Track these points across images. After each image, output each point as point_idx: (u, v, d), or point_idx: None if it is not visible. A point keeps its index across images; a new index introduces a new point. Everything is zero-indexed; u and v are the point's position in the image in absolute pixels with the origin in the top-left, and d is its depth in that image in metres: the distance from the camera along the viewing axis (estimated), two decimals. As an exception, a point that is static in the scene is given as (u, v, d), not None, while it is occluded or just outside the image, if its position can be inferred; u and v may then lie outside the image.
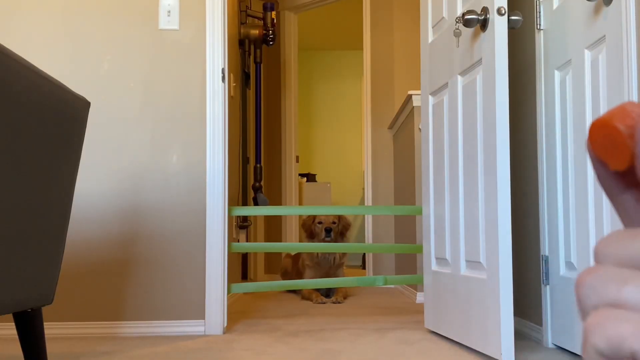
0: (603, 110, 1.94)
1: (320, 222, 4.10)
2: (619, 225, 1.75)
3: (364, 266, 6.39)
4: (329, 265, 4.07)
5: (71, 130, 1.77)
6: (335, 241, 4.07)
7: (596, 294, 0.25)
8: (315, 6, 5.57)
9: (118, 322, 2.72)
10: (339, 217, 4.14)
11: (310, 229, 4.15)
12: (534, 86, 2.49)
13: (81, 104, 1.82)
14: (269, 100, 5.73)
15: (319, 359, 2.17)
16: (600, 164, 0.28)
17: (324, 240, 4.03)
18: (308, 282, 3.53)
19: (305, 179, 7.20)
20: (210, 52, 2.81)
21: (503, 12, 2.10)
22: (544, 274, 2.40)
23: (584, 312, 0.26)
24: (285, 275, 4.49)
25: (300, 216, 5.68)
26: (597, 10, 1.97)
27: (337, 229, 4.11)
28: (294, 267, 4.38)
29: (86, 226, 2.73)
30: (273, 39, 5.07)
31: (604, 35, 1.92)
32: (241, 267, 5.03)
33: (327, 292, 4.04)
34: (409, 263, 4.02)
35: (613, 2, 1.86)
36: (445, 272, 2.51)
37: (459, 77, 2.41)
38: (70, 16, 2.82)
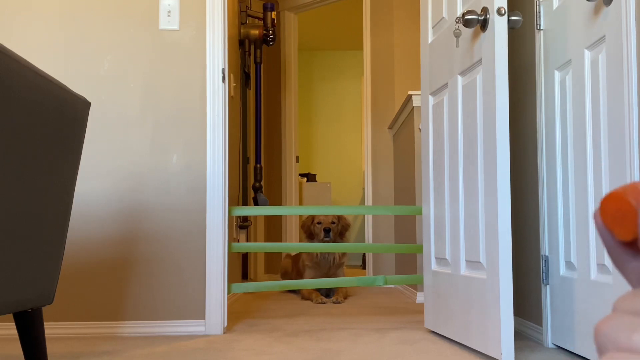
0: (603, 110, 1.94)
1: (319, 222, 4.10)
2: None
3: (364, 266, 6.39)
4: (329, 266, 4.07)
5: (71, 130, 1.77)
6: (335, 241, 4.08)
7: (610, 341, 0.26)
8: (315, 6, 5.57)
9: (118, 322, 2.72)
10: (339, 217, 4.15)
11: (309, 229, 4.15)
12: (534, 86, 2.49)
13: (81, 104, 1.82)
14: (269, 100, 5.73)
15: (319, 359, 2.17)
16: (608, 234, 0.30)
17: (323, 241, 4.04)
18: (308, 282, 3.53)
19: (305, 179, 7.20)
20: (211, 52, 2.82)
21: (503, 12, 2.10)
22: (544, 274, 2.40)
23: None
24: (285, 276, 4.49)
25: (300, 216, 5.68)
26: (597, 11, 1.97)
27: (337, 229, 4.11)
28: (294, 267, 4.38)
29: (86, 226, 2.73)
30: (273, 39, 5.07)
31: (604, 35, 1.92)
32: (241, 267, 5.03)
33: (327, 292, 4.04)
34: (409, 263, 4.02)
35: (613, 2, 1.86)
36: (445, 272, 2.52)
37: (459, 77, 2.41)
38: (71, 16, 2.82)
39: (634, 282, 0.30)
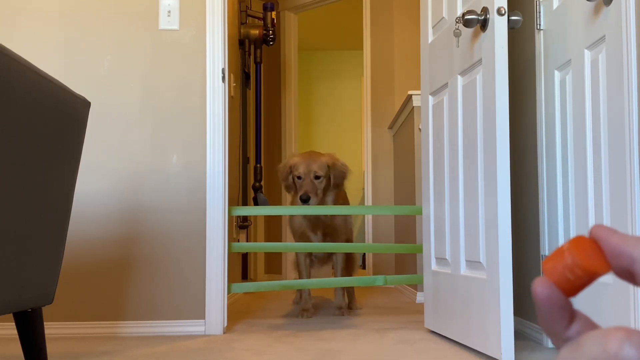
0: (603, 110, 1.94)
1: (299, 177, 3.13)
2: (619, 225, 1.73)
3: (364, 266, 6.39)
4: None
5: (71, 130, 1.77)
6: (324, 201, 3.22)
7: None
8: (315, 6, 5.57)
9: (118, 322, 2.72)
10: (328, 166, 3.16)
11: (287, 179, 3.23)
12: (534, 86, 2.49)
13: (81, 104, 1.82)
14: (269, 100, 5.73)
15: (319, 359, 2.17)
16: (557, 297, 0.31)
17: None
18: (308, 282, 3.53)
19: (305, 179, 7.19)
20: (210, 52, 2.81)
21: (503, 12, 2.10)
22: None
23: None
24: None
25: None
26: (597, 11, 1.96)
27: (323, 186, 3.15)
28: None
29: (86, 226, 2.73)
30: (273, 39, 5.07)
31: (604, 35, 1.92)
32: (241, 267, 5.03)
33: (324, 259, 3.53)
34: (409, 263, 4.02)
35: (613, 2, 1.86)
36: (445, 272, 2.51)
37: (459, 77, 2.41)
38: (71, 16, 2.82)
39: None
